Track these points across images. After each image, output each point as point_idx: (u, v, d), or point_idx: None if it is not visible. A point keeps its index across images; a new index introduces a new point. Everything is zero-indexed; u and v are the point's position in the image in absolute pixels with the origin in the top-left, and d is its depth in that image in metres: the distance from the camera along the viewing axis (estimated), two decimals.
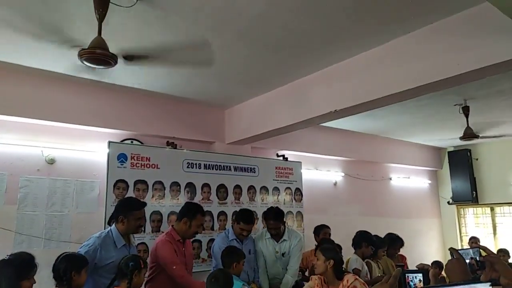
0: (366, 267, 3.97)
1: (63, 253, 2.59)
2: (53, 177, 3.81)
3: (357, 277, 2.88)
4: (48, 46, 3.02)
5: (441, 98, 4.35)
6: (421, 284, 2.73)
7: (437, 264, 3.81)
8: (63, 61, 3.30)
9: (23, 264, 2.25)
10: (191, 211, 3.24)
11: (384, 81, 3.16)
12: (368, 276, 3.92)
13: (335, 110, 3.54)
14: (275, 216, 3.71)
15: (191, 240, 3.52)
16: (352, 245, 4.14)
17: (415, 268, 3.15)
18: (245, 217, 3.59)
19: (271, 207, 3.90)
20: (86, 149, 4.01)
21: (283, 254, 3.70)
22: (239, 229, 3.57)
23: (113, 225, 2.96)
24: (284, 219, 3.92)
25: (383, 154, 6.69)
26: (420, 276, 2.78)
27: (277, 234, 3.73)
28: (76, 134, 3.97)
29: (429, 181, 7.74)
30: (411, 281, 2.78)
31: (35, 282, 2.36)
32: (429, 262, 4.11)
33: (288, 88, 4.08)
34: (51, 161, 3.82)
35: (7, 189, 3.58)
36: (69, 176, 3.89)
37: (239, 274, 3.13)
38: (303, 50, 3.28)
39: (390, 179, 7.03)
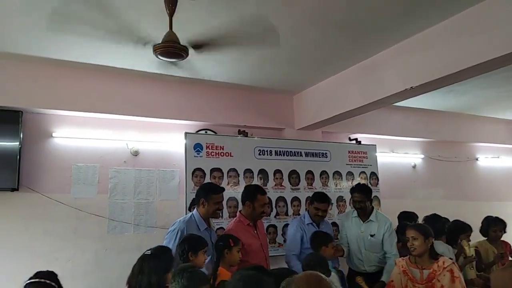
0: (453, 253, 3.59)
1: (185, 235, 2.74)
2: (137, 168, 4.13)
3: (454, 262, 2.73)
4: (126, 46, 3.25)
5: None
6: None
7: None
8: (141, 58, 3.52)
9: (166, 258, 2.40)
10: (250, 194, 3.31)
11: (465, 52, 2.89)
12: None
13: (411, 87, 3.33)
14: (361, 188, 3.68)
15: (267, 225, 3.60)
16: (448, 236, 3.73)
17: None
18: (319, 197, 3.61)
19: (359, 182, 3.85)
20: (166, 140, 4.27)
21: (372, 235, 3.58)
22: (314, 209, 3.57)
23: (195, 209, 3.13)
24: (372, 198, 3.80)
25: (467, 133, 6.18)
26: None
27: (363, 212, 3.65)
28: (156, 127, 4.25)
29: None
30: None
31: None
32: None
33: (358, 68, 3.93)
34: (136, 153, 4.14)
35: (99, 180, 3.95)
36: (152, 166, 4.19)
37: (328, 258, 3.10)
38: (373, 27, 3.12)
39: (477, 159, 6.48)
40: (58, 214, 3.72)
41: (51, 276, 2.19)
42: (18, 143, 3.55)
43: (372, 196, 4.95)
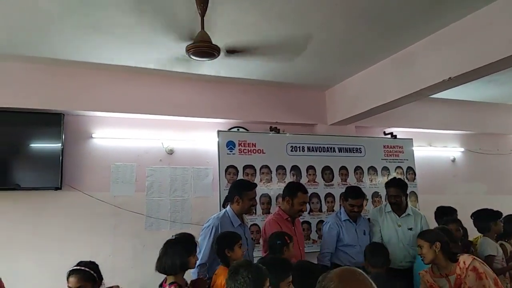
0: (501, 250, 3.44)
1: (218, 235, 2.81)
2: (173, 166, 4.22)
3: (474, 256, 2.57)
4: (159, 46, 3.33)
5: None
6: None
7: None
8: (174, 59, 3.59)
9: (189, 242, 2.51)
10: (291, 190, 3.33)
11: (504, 40, 2.74)
12: (504, 261, 3.41)
13: (449, 78, 3.20)
14: (396, 183, 3.60)
15: (301, 221, 3.59)
16: (479, 230, 3.64)
17: None
18: (352, 192, 3.54)
19: (394, 177, 3.87)
20: (199, 139, 4.34)
21: (410, 229, 3.49)
22: (349, 206, 3.50)
23: (228, 206, 3.17)
24: (407, 193, 3.72)
25: (509, 124, 5.89)
26: None
27: (398, 207, 3.57)
28: (190, 126, 4.33)
29: None
30: None
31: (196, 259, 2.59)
32: None
33: (391, 60, 3.83)
34: (170, 152, 4.24)
35: (136, 178, 4.08)
36: (186, 164, 4.27)
37: None
38: (405, 18, 3.03)
39: None
40: (99, 212, 3.87)
41: (92, 265, 2.31)
42: (60, 144, 3.72)
43: (409, 191, 4.86)
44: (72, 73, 3.77)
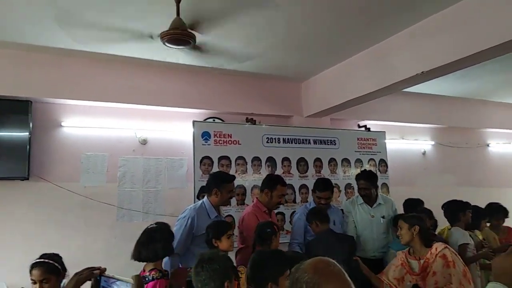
0: (472, 240, 3.54)
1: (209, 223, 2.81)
2: (146, 156, 4.14)
3: (447, 245, 2.68)
4: (133, 34, 3.22)
5: None
6: None
7: None
8: (148, 46, 3.49)
9: (168, 231, 2.52)
10: (271, 182, 3.33)
11: (477, 35, 2.82)
12: (475, 250, 3.52)
13: (422, 72, 3.26)
14: (367, 175, 3.67)
15: (275, 212, 3.60)
16: (449, 220, 3.76)
17: None
18: (319, 185, 3.57)
19: (365, 169, 3.89)
20: (174, 129, 4.27)
21: (382, 217, 3.61)
22: (317, 198, 3.56)
23: (205, 197, 3.14)
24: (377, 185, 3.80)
25: (478, 118, 6.09)
26: None
27: (368, 199, 3.66)
28: (164, 115, 4.25)
29: None
30: None
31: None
32: None
33: (367, 53, 3.87)
34: (144, 142, 4.15)
35: (108, 168, 3.98)
36: (160, 154, 4.20)
37: None
38: (382, 11, 3.06)
39: (488, 145, 6.40)
40: (68, 203, 3.76)
41: (55, 257, 2.26)
42: (28, 133, 3.58)
43: (381, 183, 4.97)
44: (41, 59, 3.62)
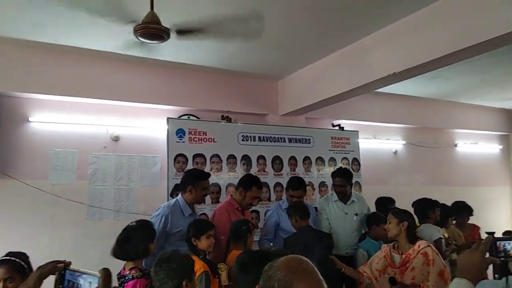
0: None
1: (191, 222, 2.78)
2: (118, 154, 4.05)
3: (430, 244, 2.75)
4: (105, 26, 3.13)
5: None
6: None
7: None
8: (121, 41, 3.40)
9: (149, 229, 2.48)
10: (247, 183, 3.33)
11: (448, 37, 2.90)
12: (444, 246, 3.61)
13: (394, 73, 3.33)
14: (343, 173, 3.75)
15: (250, 210, 3.60)
16: (418, 218, 3.79)
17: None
18: (292, 183, 3.60)
19: (340, 167, 3.92)
20: (147, 126, 4.19)
21: (356, 214, 3.68)
22: (289, 197, 3.59)
23: (180, 195, 3.09)
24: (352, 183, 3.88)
25: (447, 119, 6.28)
26: None
27: (343, 196, 3.72)
28: (137, 112, 4.16)
29: (500, 146, 7.16)
30: (504, 247, 2.71)
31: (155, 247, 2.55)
32: (499, 232, 3.84)
33: (341, 53, 3.92)
34: (116, 139, 4.05)
35: (78, 165, 3.86)
36: (133, 152, 4.11)
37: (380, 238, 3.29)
38: (357, 12, 3.10)
39: (456, 145, 6.61)
40: (35, 201, 3.63)
41: (21, 256, 2.19)
42: None
43: (354, 181, 5.03)
44: (8, 51, 3.47)
